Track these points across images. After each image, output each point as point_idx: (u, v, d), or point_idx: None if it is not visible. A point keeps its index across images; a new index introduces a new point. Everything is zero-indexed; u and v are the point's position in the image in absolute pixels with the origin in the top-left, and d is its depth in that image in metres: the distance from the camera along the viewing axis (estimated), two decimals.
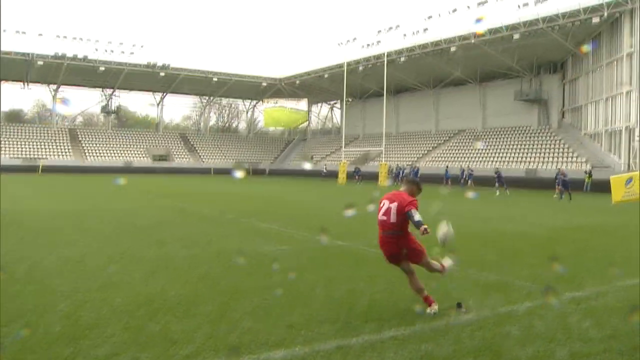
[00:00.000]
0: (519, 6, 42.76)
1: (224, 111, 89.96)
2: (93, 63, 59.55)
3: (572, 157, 42.14)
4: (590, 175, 35.17)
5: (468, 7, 46.74)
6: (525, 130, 50.15)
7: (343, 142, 55.24)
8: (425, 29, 49.98)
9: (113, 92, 69.82)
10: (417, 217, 5.68)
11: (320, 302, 6.38)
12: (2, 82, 62.50)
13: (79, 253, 9.49)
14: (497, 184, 32.68)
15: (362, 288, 7.07)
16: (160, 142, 70.83)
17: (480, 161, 48.26)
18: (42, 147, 61.65)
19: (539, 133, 48.54)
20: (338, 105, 77.27)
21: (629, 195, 15.11)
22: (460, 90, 57.29)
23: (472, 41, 45.48)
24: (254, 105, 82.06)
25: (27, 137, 63.29)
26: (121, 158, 63.99)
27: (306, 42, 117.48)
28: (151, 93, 73.14)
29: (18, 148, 60.30)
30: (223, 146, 74.69)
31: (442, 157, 52.72)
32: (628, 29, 36.90)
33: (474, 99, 55.65)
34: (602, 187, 25.47)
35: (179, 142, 72.36)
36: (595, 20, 37.80)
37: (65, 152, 61.96)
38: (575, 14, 38.79)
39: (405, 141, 61.56)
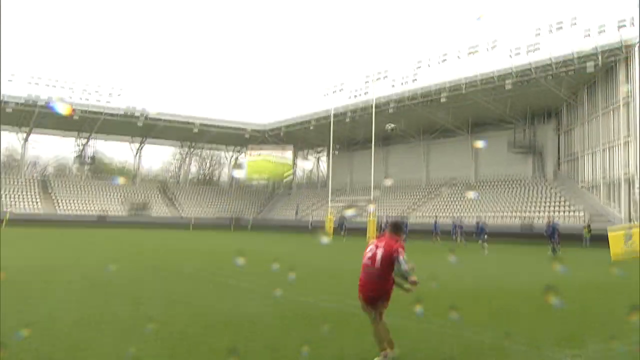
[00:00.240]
0: (510, 55, 43.88)
1: (205, 161, 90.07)
2: None
3: (569, 209, 42.44)
4: (589, 228, 35.39)
5: (458, 56, 47.94)
6: (519, 182, 50.63)
7: (330, 194, 55.33)
8: (415, 78, 50.87)
9: (88, 140, 69.78)
10: (405, 265, 5.99)
11: None
12: None
13: (46, 313, 9.28)
14: (481, 239, 31.90)
15: (350, 346, 6.96)
16: (137, 192, 70.51)
17: (474, 214, 47.96)
18: (10, 197, 60.90)
19: (534, 184, 49.01)
20: (325, 155, 77.72)
21: (630, 253, 15.25)
22: (451, 140, 57.89)
23: (463, 91, 46.30)
24: (237, 156, 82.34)
25: None
26: (95, 209, 63.53)
27: (292, 91, 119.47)
28: (129, 141, 73.20)
29: None
30: (203, 198, 74.46)
31: (433, 209, 52.76)
32: (624, 76, 37.85)
33: (466, 149, 56.11)
34: (603, 240, 25.60)
35: (157, 194, 72.11)
36: (590, 68, 38.76)
37: (35, 203, 61.33)
38: (568, 62, 39.80)
39: (395, 192, 61.64)
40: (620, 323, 9.09)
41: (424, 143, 61.04)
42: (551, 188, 46.98)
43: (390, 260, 6.09)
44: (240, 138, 73.48)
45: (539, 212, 44.06)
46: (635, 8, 35.36)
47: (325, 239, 40.15)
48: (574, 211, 41.88)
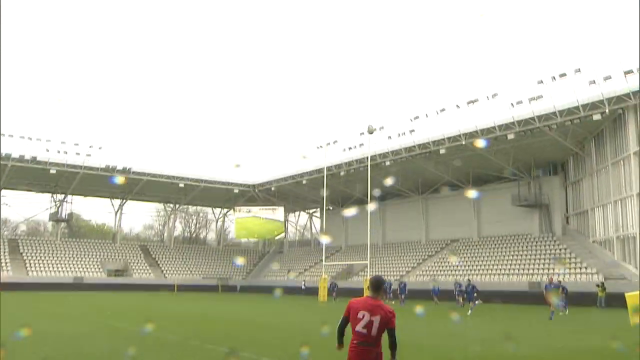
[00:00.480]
0: (512, 104, 43.52)
1: (190, 220, 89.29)
2: (43, 165, 58.48)
3: (580, 268, 41.34)
4: (603, 287, 34.24)
5: (457, 105, 47.57)
6: (525, 238, 49.76)
7: (324, 255, 54.14)
8: (412, 130, 50.51)
9: (65, 198, 68.73)
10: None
11: None
12: None
13: None
14: (469, 300, 30.67)
15: None
16: (117, 254, 69.09)
17: (478, 274, 47.29)
18: None
19: (541, 241, 48.10)
20: (318, 213, 77.02)
21: None
22: (452, 195, 57.11)
23: (463, 142, 45.83)
24: (225, 214, 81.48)
25: None
26: (70, 273, 61.81)
27: (283, 145, 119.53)
28: (109, 199, 72.27)
29: None
30: (189, 259, 73.19)
31: (433, 270, 51.87)
32: (633, 125, 37.49)
33: (467, 204, 55.40)
34: (619, 301, 24.45)
35: (138, 255, 70.67)
36: (597, 117, 38.38)
37: (4, 265, 59.54)
38: (573, 111, 39.41)
39: (392, 253, 60.84)
40: None
41: (422, 198, 60.43)
42: (560, 244, 46.00)
43: (385, 328, 6.00)
44: (227, 195, 72.89)
45: (548, 270, 42.91)
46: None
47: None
48: (585, 268, 40.84)
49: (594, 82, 38.26)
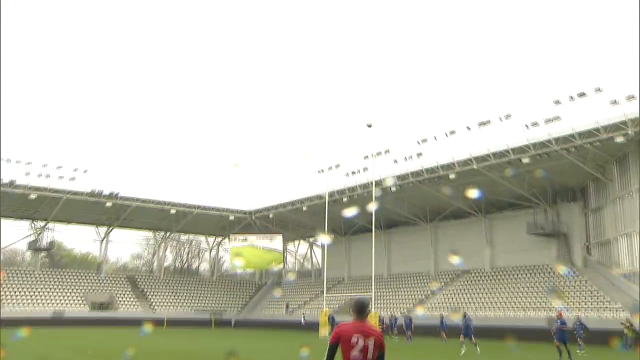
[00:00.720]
0: (527, 126, 42.92)
1: (182, 249, 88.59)
2: (22, 189, 57.73)
3: (603, 303, 40.37)
4: (630, 325, 33.18)
5: (468, 127, 46.98)
6: (542, 270, 48.87)
7: (325, 287, 53.59)
8: (419, 154, 50.06)
9: (46, 225, 67.82)
10: None
11: None
12: None
13: None
14: (465, 336, 28.96)
15: None
16: (102, 286, 68.14)
17: (491, 308, 46.55)
18: None
19: (559, 273, 46.77)
20: (319, 242, 76.34)
21: None
22: (463, 223, 56.73)
23: (474, 166, 45.34)
24: (219, 243, 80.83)
25: None
26: (50, 306, 60.60)
27: (281, 170, 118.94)
28: (95, 226, 71.49)
29: None
30: (180, 292, 72.33)
31: (442, 304, 51.11)
32: None
33: (479, 233, 54.93)
34: None
35: (125, 287, 69.71)
36: (619, 139, 37.59)
37: None
38: (594, 133, 38.67)
39: (399, 285, 60.18)
40: None
41: (431, 226, 59.77)
42: (580, 277, 45.10)
43: (379, 352, 6.09)
44: (222, 222, 72.42)
45: (568, 306, 41.31)
46: None
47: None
48: (609, 302, 39.87)
49: (615, 102, 37.60)
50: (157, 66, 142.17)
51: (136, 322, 59.28)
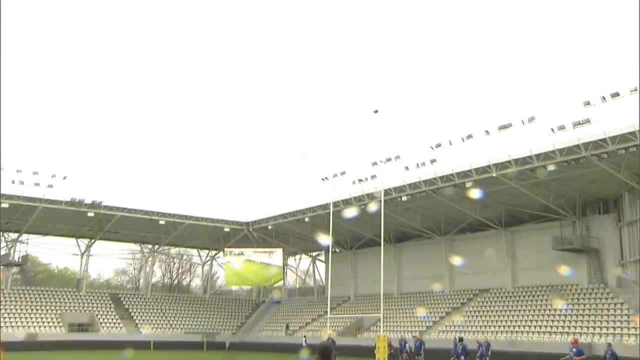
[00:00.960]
0: (552, 130, 42.03)
1: (172, 264, 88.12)
2: None
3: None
4: None
5: (487, 131, 46.24)
6: (570, 290, 47.93)
7: (329, 306, 52.35)
8: (433, 160, 49.46)
9: (19, 237, 66.97)
10: None
11: None
12: None
13: None
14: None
15: None
16: (81, 305, 67.32)
17: (512, 331, 45.92)
18: None
19: (590, 293, 46.27)
20: (322, 257, 76.32)
21: None
22: (481, 237, 56.13)
23: (494, 174, 44.42)
24: (213, 257, 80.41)
25: None
26: (21, 328, 59.49)
27: (282, 178, 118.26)
28: (74, 238, 70.87)
29: None
30: (169, 311, 71.63)
31: (458, 326, 50.28)
32: None
33: (499, 248, 54.02)
34: None
35: (108, 305, 68.92)
36: None
37: None
38: (629, 137, 37.42)
39: (410, 304, 59.52)
40: None
41: (446, 240, 59.09)
42: (614, 298, 44.12)
43: None
44: (216, 235, 72.01)
45: (600, 329, 41.20)
46: None
47: None
48: None
49: None
50: (146, 66, 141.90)
51: (119, 345, 58.66)
